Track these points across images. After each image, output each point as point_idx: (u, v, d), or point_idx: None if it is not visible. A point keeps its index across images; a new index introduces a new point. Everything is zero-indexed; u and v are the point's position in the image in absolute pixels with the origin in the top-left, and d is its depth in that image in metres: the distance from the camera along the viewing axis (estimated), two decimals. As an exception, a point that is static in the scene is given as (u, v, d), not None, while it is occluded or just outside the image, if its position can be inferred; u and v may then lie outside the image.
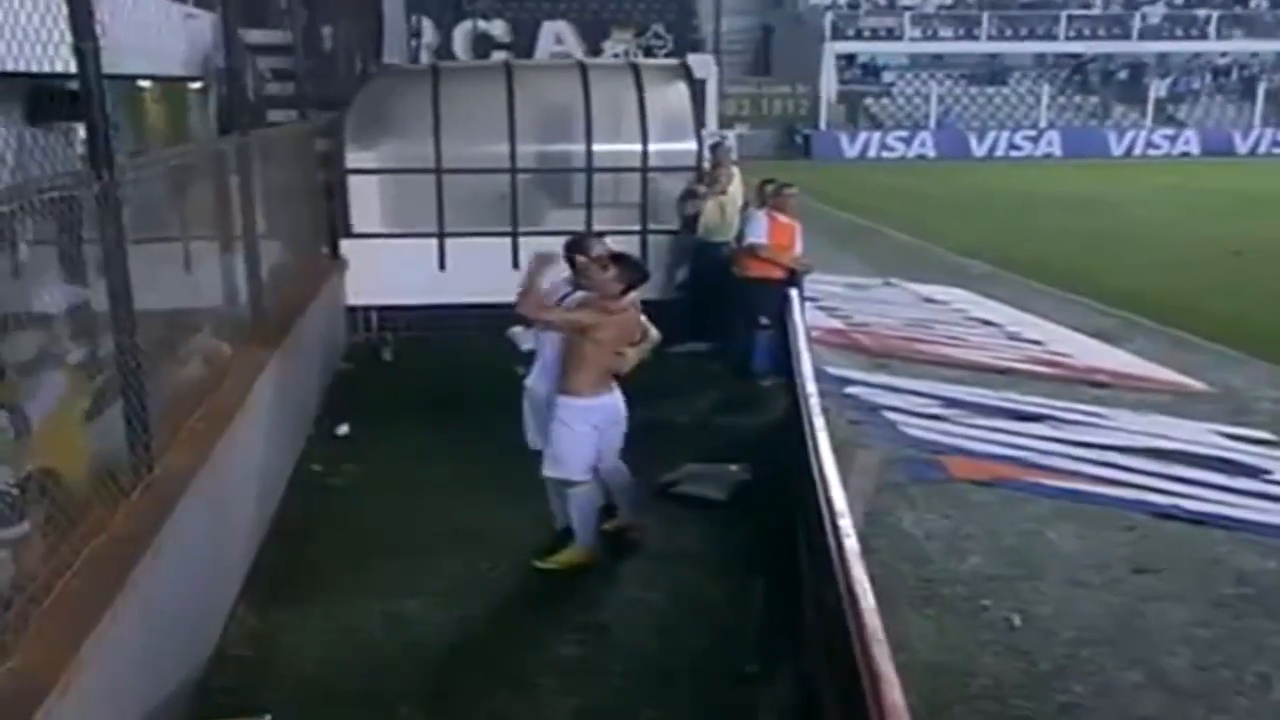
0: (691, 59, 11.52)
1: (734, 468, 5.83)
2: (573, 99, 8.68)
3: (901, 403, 7.23)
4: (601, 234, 5.07)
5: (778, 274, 7.52)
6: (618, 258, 4.66)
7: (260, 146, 6.02)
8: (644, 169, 8.68)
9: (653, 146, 8.70)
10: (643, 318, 4.82)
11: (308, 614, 4.30)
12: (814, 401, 4.56)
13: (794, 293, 6.98)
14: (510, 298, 8.55)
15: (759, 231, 7.60)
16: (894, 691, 2.34)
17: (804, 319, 6.39)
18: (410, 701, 3.72)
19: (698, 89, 8.92)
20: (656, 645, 4.13)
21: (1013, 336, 9.23)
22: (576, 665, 3.97)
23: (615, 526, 4.94)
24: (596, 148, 8.64)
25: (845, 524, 3.27)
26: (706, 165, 8.63)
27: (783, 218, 7.64)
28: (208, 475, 3.96)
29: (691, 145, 8.83)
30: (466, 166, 8.51)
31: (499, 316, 8.56)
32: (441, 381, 7.68)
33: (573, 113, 8.69)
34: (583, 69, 9.02)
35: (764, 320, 7.58)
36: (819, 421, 4.24)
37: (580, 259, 4.77)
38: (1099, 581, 4.62)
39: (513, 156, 8.50)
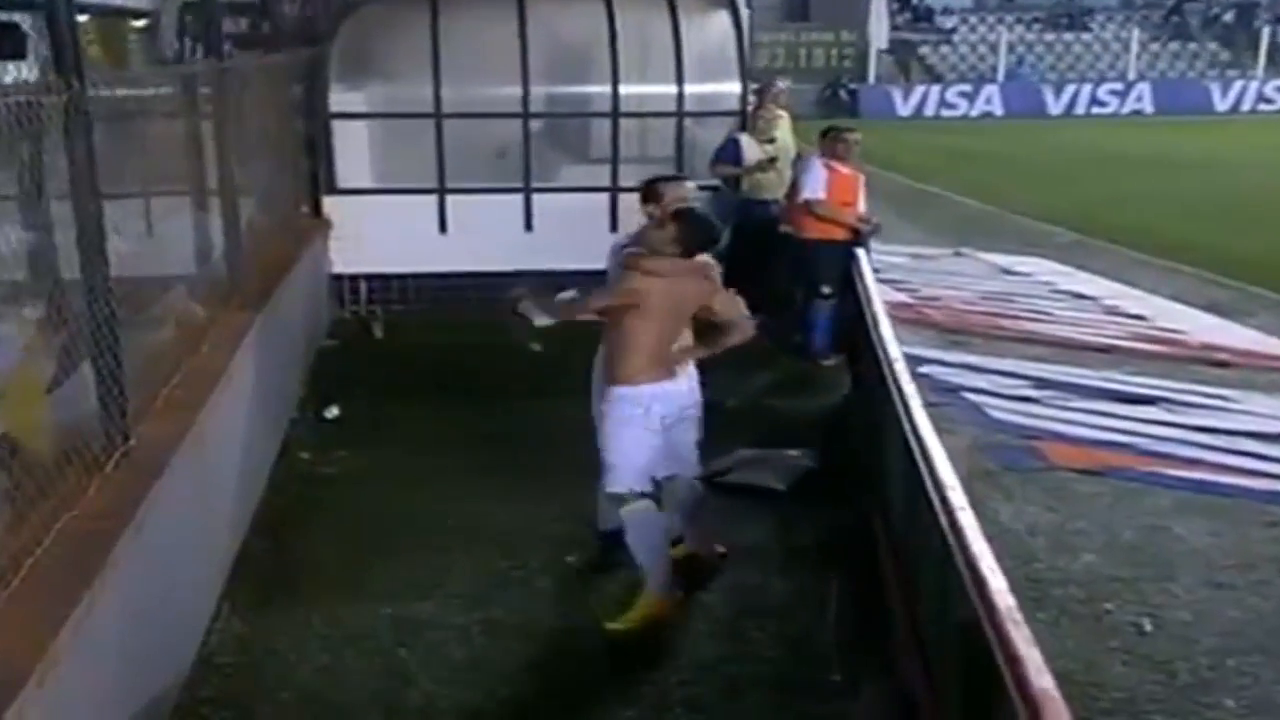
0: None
1: (794, 453, 5.77)
2: (596, 32, 8.60)
3: (985, 383, 7.19)
4: (678, 177, 4.72)
5: (839, 234, 7.44)
6: (679, 214, 4.36)
7: (235, 78, 5.98)
8: (679, 114, 8.61)
9: (690, 88, 8.62)
10: (727, 294, 4.43)
11: (303, 617, 4.26)
12: (900, 366, 4.48)
13: (861, 253, 6.90)
14: (523, 263, 8.63)
15: (816, 185, 7.51)
16: (1043, 678, 2.26)
17: (876, 281, 6.31)
18: (439, 718, 3.67)
19: (743, 22, 8.81)
20: (718, 652, 4.07)
21: (1111, 311, 9.18)
22: (626, 675, 3.91)
23: (684, 553, 4.57)
24: (624, 90, 8.56)
25: (956, 497, 3.19)
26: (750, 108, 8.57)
27: (843, 168, 7.56)
28: (190, 449, 3.92)
29: (735, 87, 8.75)
30: (471, 111, 8.43)
31: (510, 286, 8.72)
32: (444, 361, 7.63)
33: (596, 48, 8.61)
34: (607, -4, 8.93)
35: (825, 289, 7.51)
36: (910, 389, 4.16)
37: (649, 207, 4.58)
38: (1242, 583, 4.55)
39: (525, 99, 8.42)
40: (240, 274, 5.76)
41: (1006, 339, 8.33)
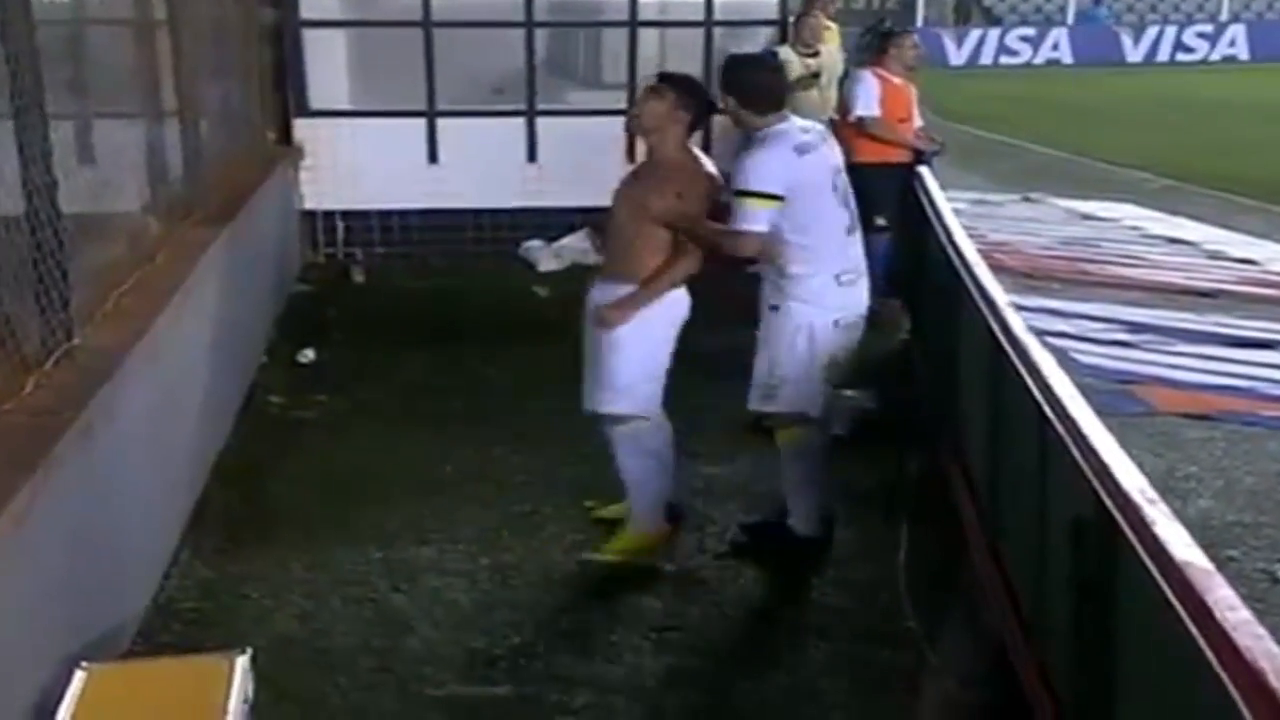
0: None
1: (849, 393, 5.66)
2: (610, -73, 8.54)
3: (1069, 328, 7.11)
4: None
5: (896, 156, 7.30)
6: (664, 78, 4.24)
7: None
8: (708, 22, 8.50)
9: (721, -7, 8.54)
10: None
11: (279, 562, 4.18)
12: (983, 269, 4.37)
13: (925, 171, 6.79)
14: (526, 199, 8.57)
15: (869, 100, 7.35)
16: (1191, 550, 2.13)
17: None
18: (441, 664, 3.59)
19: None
20: (768, 599, 4.04)
21: (1215, 255, 9.17)
22: (661, 620, 3.83)
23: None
24: (644, -6, 8.49)
25: (1062, 385, 3.07)
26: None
27: (895, 79, 7.42)
28: (143, 359, 3.82)
29: (774, -11, 8.66)
30: (467, 19, 8.32)
31: (511, 226, 8.70)
32: (436, 306, 7.58)
33: (610, -55, 8.55)
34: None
35: (880, 221, 7.37)
36: (1001, 298, 4.02)
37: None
38: (1388, 528, 4.44)
39: (529, 5, 8.33)
40: (199, 187, 5.67)
41: (1091, 284, 8.27)
